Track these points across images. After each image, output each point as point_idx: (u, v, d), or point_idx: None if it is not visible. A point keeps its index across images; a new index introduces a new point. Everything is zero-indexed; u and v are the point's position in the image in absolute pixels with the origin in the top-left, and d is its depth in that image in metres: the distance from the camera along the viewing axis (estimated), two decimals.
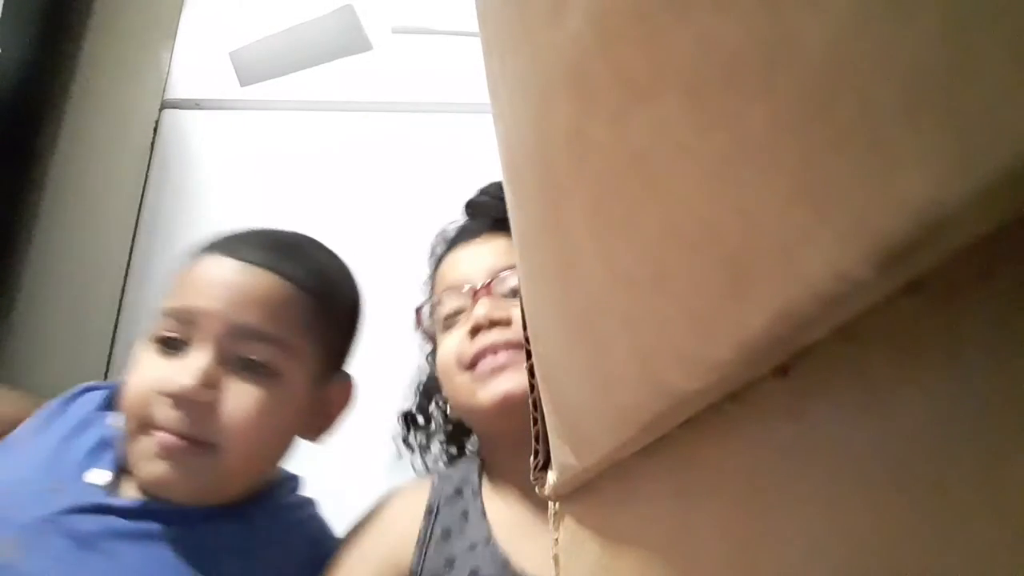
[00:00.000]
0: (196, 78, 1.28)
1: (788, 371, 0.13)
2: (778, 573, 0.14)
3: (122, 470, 0.58)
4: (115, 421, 0.60)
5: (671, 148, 0.13)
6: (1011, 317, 0.10)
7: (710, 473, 0.17)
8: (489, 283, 0.60)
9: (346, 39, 1.22)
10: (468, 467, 0.64)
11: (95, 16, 1.33)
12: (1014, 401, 0.10)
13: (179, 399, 0.53)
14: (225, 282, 0.56)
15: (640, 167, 0.14)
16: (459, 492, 0.62)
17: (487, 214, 0.65)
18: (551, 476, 0.26)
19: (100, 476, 0.57)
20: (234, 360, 0.55)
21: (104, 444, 0.60)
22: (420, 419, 0.75)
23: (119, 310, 1.19)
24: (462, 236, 0.66)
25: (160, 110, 1.27)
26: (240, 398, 0.54)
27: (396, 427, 0.77)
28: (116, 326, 1.18)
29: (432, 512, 0.60)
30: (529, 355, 0.27)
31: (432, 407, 0.75)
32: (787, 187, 0.11)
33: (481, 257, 0.63)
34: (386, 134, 1.20)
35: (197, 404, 0.53)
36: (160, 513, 0.55)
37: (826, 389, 0.13)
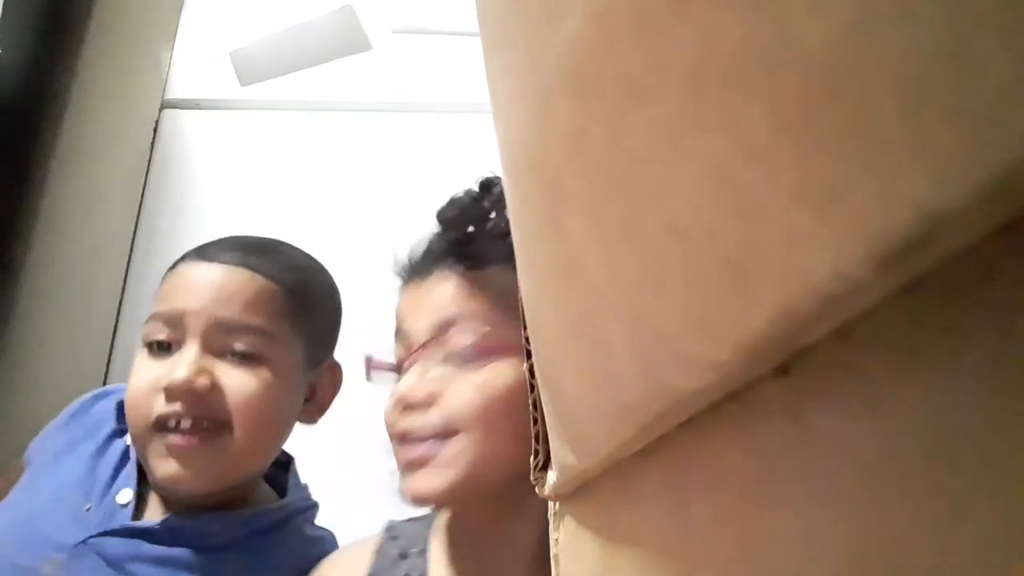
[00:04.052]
0: (196, 78, 1.28)
1: (788, 371, 0.13)
2: (778, 572, 0.14)
3: (145, 485, 0.62)
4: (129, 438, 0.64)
5: (671, 148, 0.13)
6: (1011, 317, 0.10)
7: (710, 473, 0.17)
8: (426, 343, 0.52)
9: (346, 39, 1.22)
10: (422, 523, 0.59)
11: (95, 16, 1.33)
12: (1014, 401, 0.10)
13: (175, 391, 0.57)
14: (203, 282, 0.61)
15: (640, 167, 0.14)
16: (403, 555, 0.57)
17: (454, 230, 0.55)
18: (551, 476, 0.26)
19: (126, 495, 0.61)
20: (222, 351, 0.59)
21: (127, 459, 0.64)
22: None
23: (119, 310, 1.19)
24: (413, 272, 0.57)
25: (160, 110, 1.27)
26: (237, 380, 0.59)
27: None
28: (116, 326, 1.18)
29: None
30: (529, 355, 0.27)
31: None
32: (787, 187, 0.11)
33: (425, 306, 0.53)
34: (386, 134, 1.20)
35: (194, 392, 0.57)
36: (182, 535, 0.59)
37: (826, 389, 0.13)
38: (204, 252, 0.63)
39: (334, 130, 1.21)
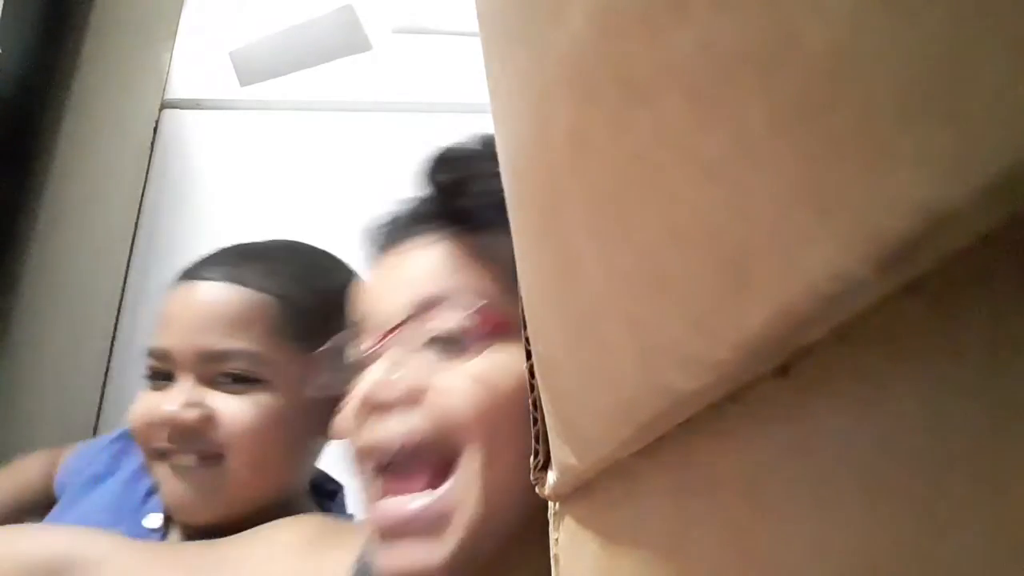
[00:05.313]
0: (196, 78, 1.28)
1: (788, 371, 0.13)
2: (777, 573, 0.14)
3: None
4: None
5: (671, 148, 0.13)
6: (1010, 317, 0.10)
7: (709, 473, 0.17)
8: (401, 324, 0.37)
9: (346, 39, 1.22)
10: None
11: (95, 16, 1.33)
12: (1014, 402, 0.10)
13: (168, 425, 0.56)
14: (185, 310, 0.58)
15: (640, 167, 0.14)
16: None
17: (448, 181, 0.40)
18: (551, 476, 0.26)
19: (155, 519, 0.61)
20: (214, 379, 0.57)
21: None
22: None
23: (119, 311, 1.19)
24: (386, 240, 0.43)
25: (160, 110, 1.27)
26: (231, 407, 0.57)
27: None
28: (115, 327, 1.18)
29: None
30: (529, 355, 0.27)
31: None
32: (787, 187, 0.11)
33: (400, 279, 0.39)
34: (386, 134, 1.20)
35: (186, 425, 0.56)
36: None
37: (826, 389, 0.13)
38: (192, 270, 0.61)
39: (334, 130, 1.21)
